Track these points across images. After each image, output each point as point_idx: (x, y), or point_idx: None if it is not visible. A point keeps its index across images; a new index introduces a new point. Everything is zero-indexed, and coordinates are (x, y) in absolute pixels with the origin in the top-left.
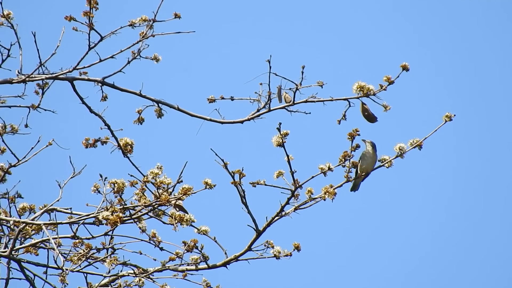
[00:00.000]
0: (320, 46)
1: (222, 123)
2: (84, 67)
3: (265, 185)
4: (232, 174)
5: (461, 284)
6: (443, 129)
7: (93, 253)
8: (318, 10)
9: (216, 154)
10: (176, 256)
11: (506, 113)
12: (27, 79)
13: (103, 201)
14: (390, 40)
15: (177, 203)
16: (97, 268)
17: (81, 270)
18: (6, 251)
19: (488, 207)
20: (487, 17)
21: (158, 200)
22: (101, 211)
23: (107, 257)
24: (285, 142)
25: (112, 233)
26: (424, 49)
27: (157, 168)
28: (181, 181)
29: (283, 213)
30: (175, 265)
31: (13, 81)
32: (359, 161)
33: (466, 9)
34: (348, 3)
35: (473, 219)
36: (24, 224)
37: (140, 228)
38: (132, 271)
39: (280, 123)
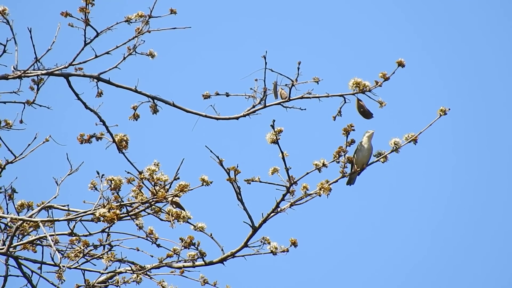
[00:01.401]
0: (316, 43)
1: (218, 119)
2: (80, 63)
3: (260, 182)
4: (228, 171)
5: (461, 280)
6: (439, 124)
7: (90, 250)
8: (314, 8)
9: (211, 151)
10: (173, 253)
11: (503, 107)
12: (22, 75)
13: (100, 198)
14: (385, 36)
15: (174, 200)
16: (95, 265)
17: (78, 267)
18: (3, 248)
19: (486, 202)
20: (484, 13)
21: (155, 197)
22: (98, 208)
23: (104, 254)
24: (279, 139)
25: (109, 230)
26: (420, 44)
27: (154, 165)
28: (178, 178)
29: (279, 209)
30: (172, 261)
31: (9, 77)
32: (354, 155)
33: (461, 4)
34: (343, 0)
35: (471, 214)
36: (21, 221)
37: (137, 225)
38: (129, 268)
39: (274, 120)
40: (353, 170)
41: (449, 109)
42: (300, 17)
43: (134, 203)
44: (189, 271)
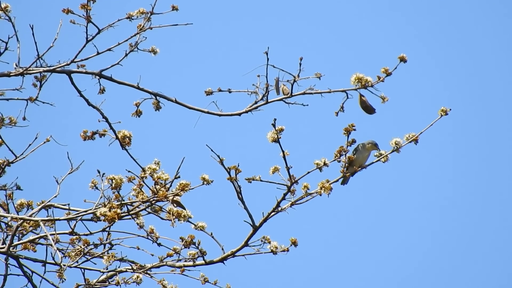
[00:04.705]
0: (317, 41)
1: (220, 115)
2: (82, 60)
3: (261, 180)
4: (228, 170)
5: (460, 280)
6: (440, 123)
7: (91, 249)
8: (315, 6)
9: (212, 150)
10: (174, 252)
11: (504, 108)
12: (24, 72)
13: (101, 197)
14: (387, 33)
15: (174, 199)
16: (95, 264)
17: (78, 266)
18: (4, 247)
19: (486, 202)
20: (483, 10)
21: (156, 196)
22: (99, 207)
23: (104, 253)
24: (280, 138)
25: (110, 229)
26: (422, 41)
27: (155, 163)
28: (179, 177)
29: (280, 208)
30: (172, 260)
31: (11, 74)
32: (353, 154)
33: (461, 4)
34: None
35: (471, 214)
36: (21, 221)
37: (137, 224)
38: (130, 267)
39: (275, 119)
40: (352, 170)
41: (450, 110)
42: (301, 15)
43: (134, 202)
44: (189, 270)
